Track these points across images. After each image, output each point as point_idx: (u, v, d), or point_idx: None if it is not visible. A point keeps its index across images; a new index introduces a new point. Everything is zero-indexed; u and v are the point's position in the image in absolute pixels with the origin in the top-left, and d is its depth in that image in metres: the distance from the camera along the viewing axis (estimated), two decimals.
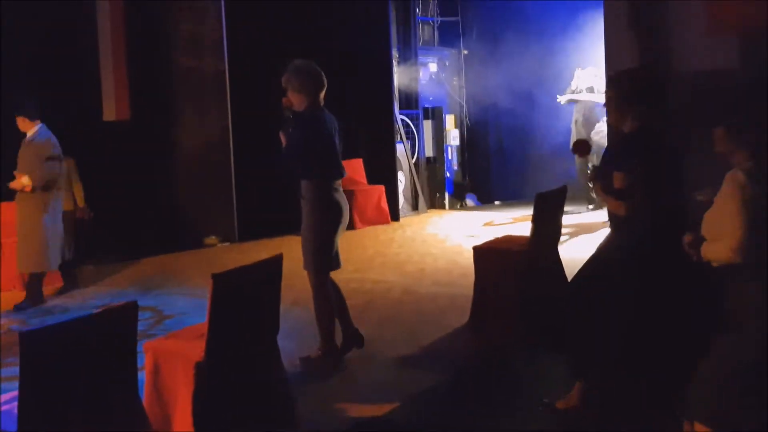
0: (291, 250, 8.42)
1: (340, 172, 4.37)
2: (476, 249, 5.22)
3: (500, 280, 4.89)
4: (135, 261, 8.23)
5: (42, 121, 6.57)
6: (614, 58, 5.09)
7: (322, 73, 4.31)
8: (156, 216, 8.53)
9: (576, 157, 7.87)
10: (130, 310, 2.87)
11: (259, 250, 8.50)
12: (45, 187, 6.41)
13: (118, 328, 2.85)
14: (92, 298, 6.74)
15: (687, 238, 2.91)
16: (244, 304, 3.48)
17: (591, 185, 3.45)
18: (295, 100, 4.27)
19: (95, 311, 2.79)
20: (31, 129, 6.48)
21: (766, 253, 2.67)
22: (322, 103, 4.34)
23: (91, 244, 7.93)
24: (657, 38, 4.80)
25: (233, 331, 3.43)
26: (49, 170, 6.43)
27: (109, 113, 8.32)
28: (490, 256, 5.04)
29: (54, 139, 6.53)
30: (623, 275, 3.28)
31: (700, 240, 2.86)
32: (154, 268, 7.93)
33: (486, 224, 9.29)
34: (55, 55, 7.87)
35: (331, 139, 4.29)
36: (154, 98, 8.75)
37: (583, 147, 3.99)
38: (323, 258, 4.33)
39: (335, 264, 4.46)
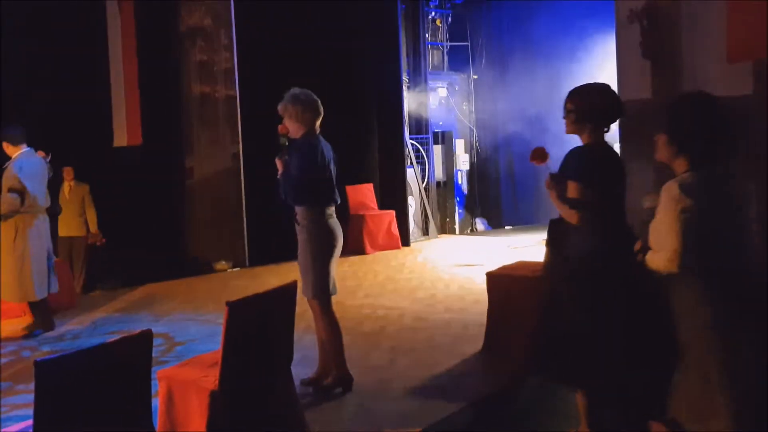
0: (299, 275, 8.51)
1: (334, 199, 4.43)
2: (489, 275, 5.18)
3: (514, 307, 4.83)
4: (145, 285, 8.24)
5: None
6: (627, 85, 5.09)
7: (319, 102, 4.39)
8: (167, 241, 8.54)
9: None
10: (145, 339, 2.85)
11: (269, 276, 8.49)
12: (5, 216, 6.10)
13: (132, 357, 2.83)
14: (103, 323, 6.73)
15: (636, 246, 3.00)
16: (259, 332, 3.45)
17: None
18: (292, 128, 4.35)
19: (110, 340, 2.76)
20: (15, 153, 6.31)
21: (703, 262, 2.77)
22: (318, 130, 4.42)
23: (102, 269, 7.95)
24: (671, 65, 4.79)
25: (247, 359, 3.40)
26: (5, 201, 6.11)
27: (121, 139, 8.37)
28: (504, 283, 5.00)
29: (28, 170, 6.17)
30: (576, 283, 3.33)
31: (646, 249, 2.94)
32: (165, 293, 7.92)
33: (508, 248, 9.24)
34: (67, 81, 7.93)
35: (326, 167, 4.35)
36: (166, 124, 8.80)
37: (539, 154, 3.86)
38: (322, 283, 4.36)
39: (333, 289, 4.49)
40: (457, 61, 11.32)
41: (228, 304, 3.26)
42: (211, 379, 3.39)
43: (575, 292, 3.31)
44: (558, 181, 3.44)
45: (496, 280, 5.06)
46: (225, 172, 8.95)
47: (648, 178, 4.97)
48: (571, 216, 3.35)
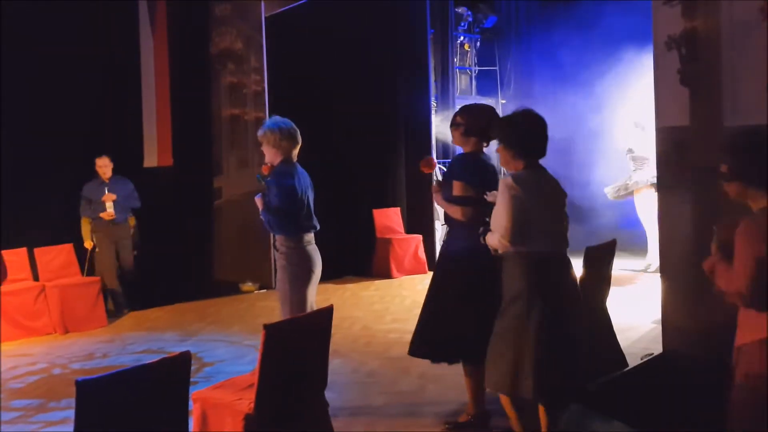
0: (328, 297, 8.50)
1: (312, 225, 4.50)
2: None
3: None
4: (173, 305, 8.26)
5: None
6: (664, 112, 5.02)
7: (298, 132, 4.51)
8: (194, 261, 8.56)
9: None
10: (184, 360, 2.83)
11: None
12: None
13: (171, 378, 2.82)
14: (132, 342, 6.74)
15: (480, 230, 3.64)
16: (295, 356, 3.42)
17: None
18: (269, 154, 4.48)
19: (150, 361, 2.75)
20: None
21: (529, 245, 3.40)
22: (295, 159, 4.52)
23: (131, 289, 7.97)
24: (710, 91, 4.73)
25: (283, 383, 3.37)
26: None
27: (151, 159, 8.44)
28: None
29: None
30: (458, 271, 4.04)
31: (486, 231, 3.58)
32: (193, 313, 7.93)
33: None
34: (100, 101, 8.03)
35: (302, 195, 4.44)
36: (196, 145, 8.87)
37: (428, 163, 4.59)
38: (298, 310, 4.37)
39: None
40: (486, 85, 11.31)
41: (265, 327, 3.23)
42: (246, 402, 3.37)
43: (457, 281, 4.01)
44: (443, 185, 4.18)
45: None
46: (253, 194, 8.95)
47: (686, 207, 4.90)
48: (455, 212, 4.04)
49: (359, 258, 9.73)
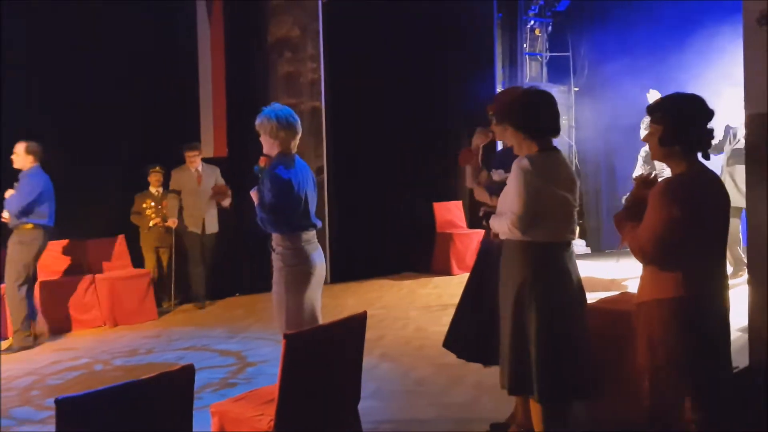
0: (382, 295, 8.15)
1: (312, 224, 4.04)
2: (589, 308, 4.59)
3: (615, 348, 4.23)
4: (225, 299, 8.08)
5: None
6: (755, 97, 4.41)
7: (298, 121, 4.08)
8: (249, 254, 8.35)
9: None
10: (186, 374, 2.50)
11: (348, 295, 8.17)
12: None
13: (171, 395, 2.49)
14: (178, 338, 6.55)
15: (481, 212, 3.59)
16: (321, 368, 3.06)
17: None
18: (266, 145, 4.05)
19: (148, 376, 2.42)
20: None
21: (538, 233, 3.16)
22: (293, 150, 4.07)
23: (186, 281, 7.83)
24: None
25: (307, 398, 3.02)
26: None
27: (207, 150, 8.26)
28: (605, 319, 4.39)
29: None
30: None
31: (489, 214, 3.39)
32: (244, 307, 7.74)
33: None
34: (156, 94, 7.92)
35: (299, 190, 3.97)
36: (251, 136, 8.61)
37: (465, 156, 4.17)
38: (295, 317, 3.89)
39: (313, 323, 3.94)
40: (557, 72, 10.67)
41: (286, 336, 2.88)
42: (267, 419, 3.03)
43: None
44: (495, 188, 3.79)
45: (595, 315, 4.46)
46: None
47: None
48: (481, 195, 3.92)
49: (418, 253, 9.36)
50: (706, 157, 2.92)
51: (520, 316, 3.24)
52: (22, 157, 6.30)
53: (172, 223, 7.65)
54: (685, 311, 2.75)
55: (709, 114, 2.85)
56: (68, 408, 2.21)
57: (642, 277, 2.92)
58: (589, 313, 4.45)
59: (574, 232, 3.42)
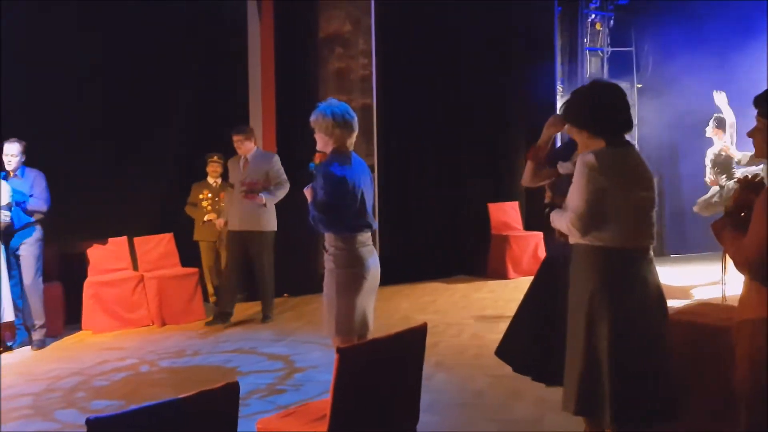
0: (435, 299, 7.85)
1: (367, 224, 3.83)
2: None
3: (695, 363, 3.85)
4: (276, 298, 7.88)
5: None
6: None
7: (355, 118, 3.86)
8: (299, 253, 8.15)
9: None
10: (230, 392, 2.26)
11: (400, 298, 7.91)
12: None
13: (212, 414, 2.26)
14: (225, 339, 6.38)
15: (546, 197, 3.54)
16: (376, 385, 2.79)
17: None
18: (321, 142, 3.86)
19: (191, 394, 2.19)
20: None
21: (605, 236, 2.92)
22: (350, 148, 3.87)
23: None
24: None
25: (360, 417, 2.75)
26: None
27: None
28: (683, 332, 4.02)
29: None
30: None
31: (553, 207, 3.18)
32: (294, 309, 7.54)
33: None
34: (206, 90, 7.83)
35: (355, 189, 3.76)
36: (300, 133, 8.44)
37: (533, 154, 4.01)
38: (345, 320, 3.72)
39: (363, 330, 3.81)
40: (619, 68, 10.17)
41: (339, 350, 2.62)
42: None
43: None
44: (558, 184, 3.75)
45: (677, 326, 4.08)
46: None
47: None
48: (536, 181, 3.90)
49: (472, 256, 9.02)
50: None
51: (590, 329, 2.93)
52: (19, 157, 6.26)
53: (219, 224, 7.29)
54: None
55: None
56: (99, 428, 1.99)
57: (745, 292, 2.58)
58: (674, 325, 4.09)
59: (652, 237, 3.09)
